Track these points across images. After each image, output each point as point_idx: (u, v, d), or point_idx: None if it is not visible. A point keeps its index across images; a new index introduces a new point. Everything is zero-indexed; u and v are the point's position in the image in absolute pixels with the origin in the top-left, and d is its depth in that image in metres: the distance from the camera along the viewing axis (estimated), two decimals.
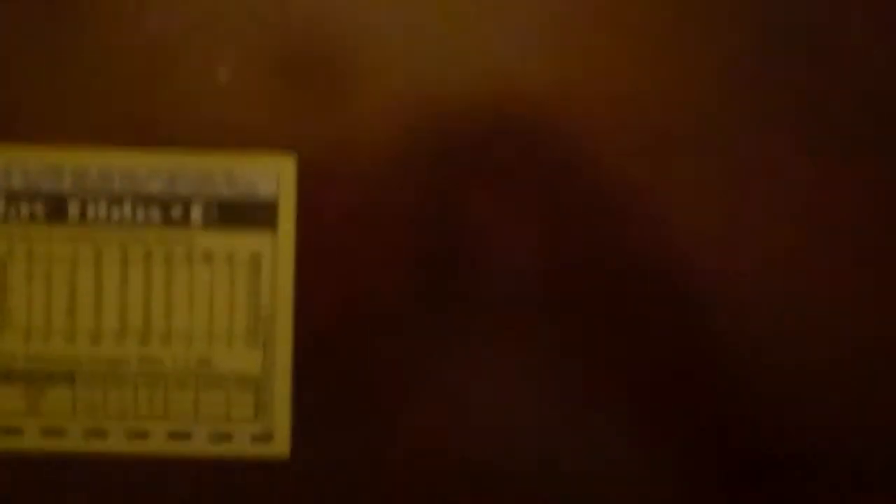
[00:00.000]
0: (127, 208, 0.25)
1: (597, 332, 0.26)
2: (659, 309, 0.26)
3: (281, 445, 0.26)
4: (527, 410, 0.26)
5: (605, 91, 0.25)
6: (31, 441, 0.25)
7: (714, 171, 0.26)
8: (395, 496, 0.26)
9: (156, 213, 0.25)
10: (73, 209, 0.25)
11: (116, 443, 0.26)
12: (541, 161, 0.25)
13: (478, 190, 0.26)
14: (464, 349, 0.26)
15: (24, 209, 0.25)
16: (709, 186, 0.26)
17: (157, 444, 0.26)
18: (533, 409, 0.26)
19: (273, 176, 0.25)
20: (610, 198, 0.25)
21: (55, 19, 0.25)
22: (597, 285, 0.26)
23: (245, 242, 0.25)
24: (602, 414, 0.26)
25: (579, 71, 0.25)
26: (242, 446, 0.26)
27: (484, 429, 0.26)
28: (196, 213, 0.25)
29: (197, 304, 0.25)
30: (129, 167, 0.25)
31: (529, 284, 0.26)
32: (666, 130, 0.26)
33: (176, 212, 0.25)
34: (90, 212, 0.25)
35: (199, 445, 0.26)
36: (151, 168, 0.25)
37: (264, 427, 0.26)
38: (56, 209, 0.25)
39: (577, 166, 0.25)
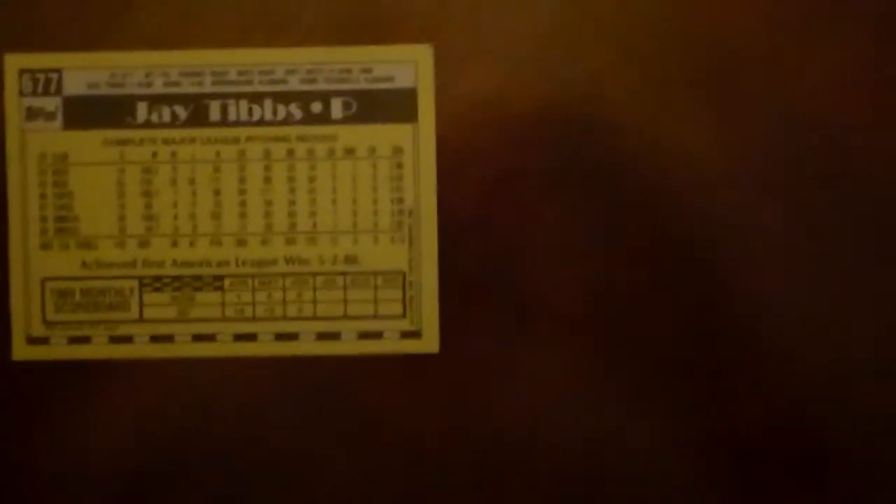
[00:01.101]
0: (268, 107, 0.25)
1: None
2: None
3: (430, 341, 0.25)
4: None
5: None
6: (182, 348, 0.25)
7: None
8: (544, 386, 0.25)
9: (296, 111, 0.25)
10: (214, 111, 0.25)
11: (266, 346, 0.25)
12: None
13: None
14: (614, 231, 0.25)
15: (166, 113, 0.25)
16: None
17: (307, 345, 0.25)
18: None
19: (410, 66, 0.25)
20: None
21: None
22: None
23: (386, 135, 0.25)
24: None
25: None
26: (392, 344, 0.25)
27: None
28: (336, 108, 0.25)
29: (340, 201, 0.25)
30: (268, 65, 0.25)
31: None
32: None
33: (316, 108, 0.25)
34: (231, 112, 0.25)
35: (348, 345, 0.25)
36: (290, 65, 0.25)
37: (413, 323, 0.25)
38: (197, 111, 0.25)
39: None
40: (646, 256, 0.25)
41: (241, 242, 0.25)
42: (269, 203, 0.25)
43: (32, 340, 0.25)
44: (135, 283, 0.25)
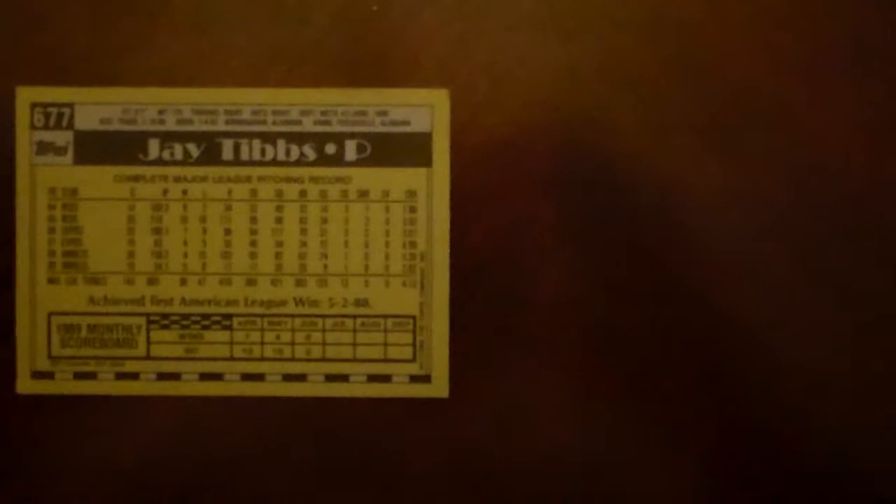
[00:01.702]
0: (281, 147, 0.25)
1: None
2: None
3: (440, 386, 0.25)
4: None
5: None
6: (189, 386, 0.25)
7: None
8: (552, 434, 0.25)
9: (310, 151, 0.25)
10: (226, 149, 0.25)
11: (274, 386, 0.25)
12: None
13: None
14: (624, 279, 0.25)
15: (178, 150, 0.25)
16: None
17: (315, 386, 0.25)
18: None
19: (427, 110, 0.25)
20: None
21: None
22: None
23: (400, 179, 0.25)
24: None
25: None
26: (401, 388, 0.25)
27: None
28: (350, 150, 0.25)
29: (352, 244, 0.25)
30: (282, 105, 0.25)
31: None
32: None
33: (330, 149, 0.25)
34: (244, 152, 0.25)
35: (357, 387, 0.25)
36: (304, 106, 0.25)
37: (423, 367, 0.25)
38: (210, 149, 0.25)
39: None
40: (657, 301, 0.25)
41: (251, 282, 0.25)
42: (279, 244, 0.25)
43: (37, 375, 0.25)
44: (142, 320, 0.25)
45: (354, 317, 0.25)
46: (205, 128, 0.25)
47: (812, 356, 0.25)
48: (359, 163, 0.25)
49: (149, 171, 0.25)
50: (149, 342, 0.25)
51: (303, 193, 0.25)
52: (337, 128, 0.25)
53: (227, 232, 0.25)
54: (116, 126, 0.25)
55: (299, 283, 0.25)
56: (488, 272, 0.25)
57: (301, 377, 0.25)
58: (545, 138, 0.25)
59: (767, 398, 0.25)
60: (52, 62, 0.25)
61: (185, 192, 0.25)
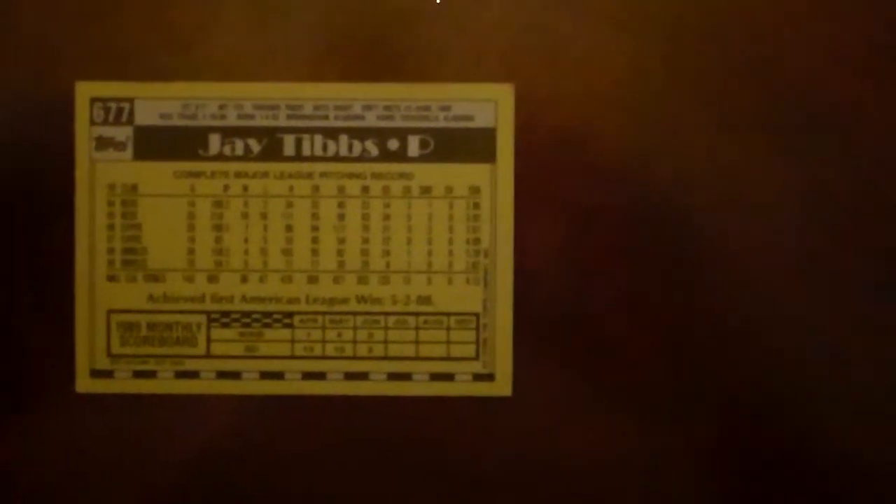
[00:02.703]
0: (343, 142, 0.25)
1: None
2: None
3: (503, 384, 0.25)
4: None
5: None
6: (250, 385, 0.25)
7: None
8: (614, 433, 0.25)
9: (372, 147, 0.25)
10: (288, 145, 0.25)
11: (335, 385, 0.25)
12: None
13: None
14: (689, 278, 0.25)
15: (239, 146, 0.25)
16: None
17: (377, 385, 0.25)
18: None
19: (491, 105, 0.25)
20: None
21: None
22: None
23: (463, 175, 0.25)
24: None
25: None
26: (464, 386, 0.25)
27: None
28: (413, 145, 0.25)
29: (415, 240, 0.25)
30: (344, 100, 0.25)
31: None
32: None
33: (392, 145, 0.25)
34: (305, 147, 0.25)
35: (420, 386, 0.25)
36: (366, 101, 0.25)
37: (486, 366, 0.25)
38: (271, 145, 0.25)
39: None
40: (721, 307, 0.25)
41: (313, 280, 0.25)
42: (341, 240, 0.25)
43: (96, 373, 0.25)
44: (202, 318, 0.25)
45: (417, 314, 0.25)
46: (266, 123, 0.25)
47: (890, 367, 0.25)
48: (422, 158, 0.25)
49: (209, 166, 0.25)
50: (209, 340, 0.25)
51: (365, 189, 0.25)
52: (400, 123, 0.25)
53: (289, 229, 0.25)
54: (176, 121, 0.25)
55: (361, 280, 0.25)
56: (552, 270, 0.25)
57: (363, 375, 0.25)
58: (610, 133, 0.25)
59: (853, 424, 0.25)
60: (111, 57, 0.25)
61: (245, 188, 0.25)
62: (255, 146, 0.25)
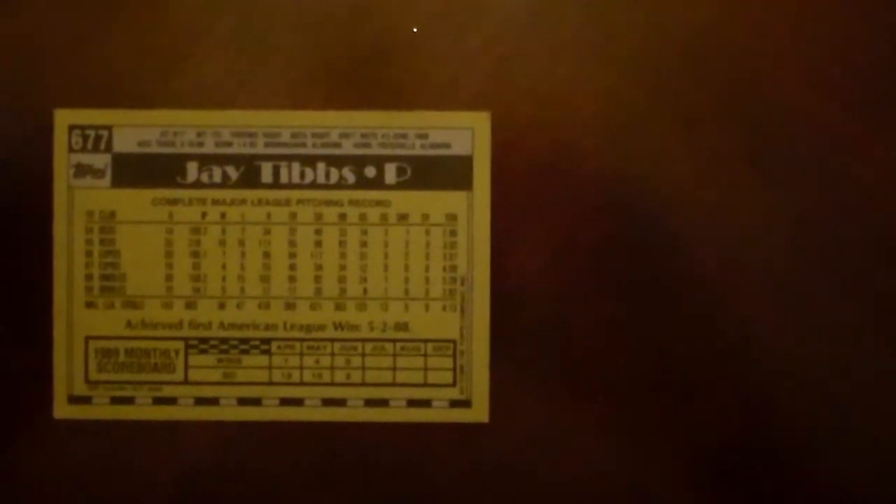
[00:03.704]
0: (320, 170, 0.25)
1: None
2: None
3: (480, 411, 0.25)
4: None
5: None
6: (228, 411, 0.25)
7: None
8: (595, 459, 0.25)
9: (349, 175, 0.25)
10: (265, 172, 0.25)
11: (313, 411, 0.25)
12: None
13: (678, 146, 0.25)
14: (668, 304, 0.25)
15: (217, 173, 0.25)
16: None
17: (355, 411, 0.25)
18: None
19: (468, 133, 0.25)
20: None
21: None
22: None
23: (440, 202, 0.25)
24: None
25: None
26: (441, 413, 0.25)
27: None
28: (390, 173, 0.25)
29: (392, 267, 0.25)
30: (322, 128, 0.25)
31: None
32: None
33: (369, 172, 0.25)
34: (283, 174, 0.25)
35: (397, 412, 0.25)
36: (344, 128, 0.25)
37: (463, 392, 0.25)
38: (249, 172, 0.25)
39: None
40: (701, 326, 0.25)
41: (290, 306, 0.25)
42: (319, 267, 0.25)
43: (74, 399, 0.25)
44: (180, 345, 0.25)
45: (394, 341, 0.25)
46: (244, 150, 0.25)
47: (866, 392, 0.25)
48: (399, 186, 0.25)
49: (187, 194, 0.25)
50: (187, 367, 0.25)
51: (342, 217, 0.25)
52: (377, 150, 0.25)
53: (266, 255, 0.25)
54: (155, 149, 0.25)
55: (339, 307, 0.25)
56: (529, 296, 0.25)
57: (340, 402, 0.25)
58: (587, 161, 0.25)
59: (830, 437, 0.25)
60: (90, 85, 0.25)
61: (223, 215, 0.25)
62: (233, 173, 0.25)
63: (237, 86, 0.25)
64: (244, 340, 0.25)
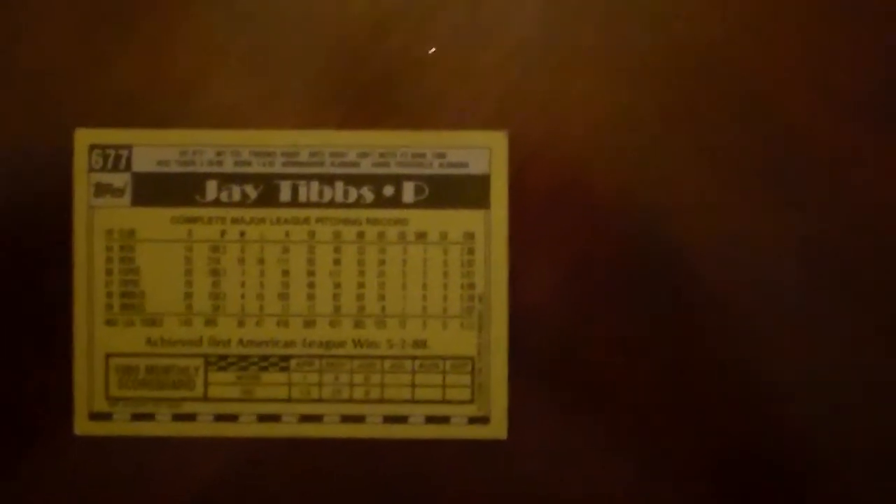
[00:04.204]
0: (339, 189, 0.25)
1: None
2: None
3: (498, 427, 0.25)
4: None
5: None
6: (247, 428, 0.25)
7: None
8: (612, 476, 0.25)
9: (367, 193, 0.25)
10: (284, 191, 0.25)
11: (332, 427, 0.25)
12: None
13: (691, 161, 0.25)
14: (683, 321, 0.25)
15: (236, 192, 0.25)
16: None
17: (373, 427, 0.25)
18: None
19: (485, 152, 0.25)
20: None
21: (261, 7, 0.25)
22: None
23: (458, 220, 0.25)
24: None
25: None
26: (459, 429, 0.25)
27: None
28: (408, 192, 0.25)
29: (410, 285, 0.25)
30: (340, 147, 0.25)
31: None
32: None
33: (388, 191, 0.25)
34: (301, 193, 0.25)
35: (415, 428, 0.25)
36: (362, 148, 0.25)
37: (481, 409, 0.25)
38: (268, 191, 0.25)
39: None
40: (715, 349, 0.25)
41: (309, 324, 0.25)
42: (337, 285, 0.25)
43: (95, 416, 0.25)
44: (200, 362, 0.25)
45: (413, 358, 0.25)
46: (263, 170, 0.25)
47: (877, 407, 0.25)
48: (417, 205, 0.25)
49: (206, 212, 0.25)
50: (206, 384, 0.25)
51: (360, 235, 0.25)
52: (395, 170, 0.25)
53: (285, 273, 0.25)
54: (174, 168, 0.25)
55: (357, 324, 0.25)
56: (547, 313, 0.25)
57: (359, 418, 0.25)
58: (603, 179, 0.25)
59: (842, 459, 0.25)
60: (110, 105, 0.25)
61: (242, 233, 0.25)
62: (252, 192, 0.25)
63: (256, 105, 0.25)
64: (263, 357, 0.25)
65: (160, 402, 0.25)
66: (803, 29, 0.25)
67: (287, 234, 0.25)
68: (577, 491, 0.25)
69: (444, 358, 0.25)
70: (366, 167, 0.25)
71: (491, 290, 0.25)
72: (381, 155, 0.25)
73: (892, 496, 0.25)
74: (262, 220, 0.25)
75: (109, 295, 0.25)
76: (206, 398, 0.25)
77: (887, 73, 0.25)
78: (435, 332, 0.25)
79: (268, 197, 0.25)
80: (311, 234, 0.25)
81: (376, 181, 0.25)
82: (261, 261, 0.25)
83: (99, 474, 0.25)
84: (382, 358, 0.25)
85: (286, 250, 0.25)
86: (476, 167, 0.25)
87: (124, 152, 0.25)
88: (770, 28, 0.25)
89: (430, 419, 0.25)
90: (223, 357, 0.25)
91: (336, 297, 0.25)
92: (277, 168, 0.25)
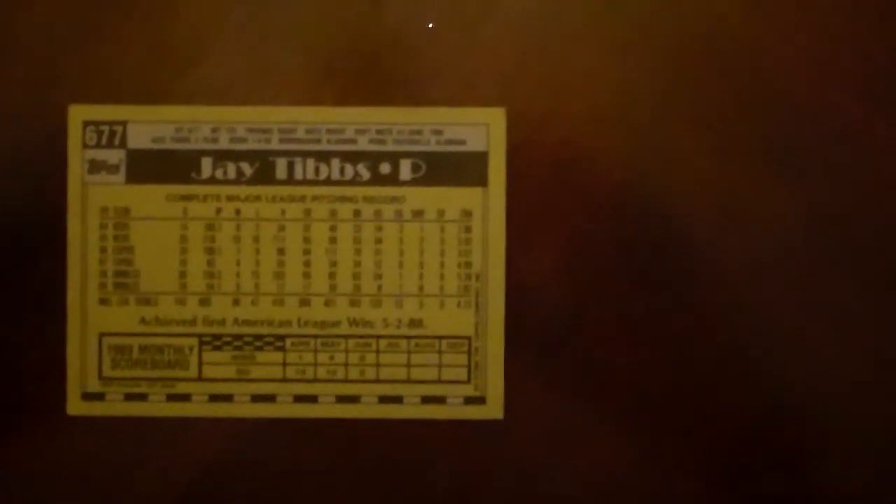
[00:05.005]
0: (335, 166, 0.25)
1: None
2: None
3: (494, 407, 0.25)
4: None
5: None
6: (242, 408, 0.25)
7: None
8: (610, 456, 0.25)
9: (364, 171, 0.25)
10: (280, 168, 0.25)
11: (327, 408, 0.25)
12: None
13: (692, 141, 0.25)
14: (683, 300, 0.25)
15: (232, 169, 0.25)
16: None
17: (369, 408, 0.25)
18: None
19: (483, 129, 0.25)
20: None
21: None
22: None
23: (455, 198, 0.25)
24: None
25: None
26: (455, 409, 0.25)
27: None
28: (405, 169, 0.25)
29: (407, 264, 0.25)
30: (337, 124, 0.25)
31: None
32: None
33: (384, 168, 0.25)
34: (297, 171, 0.25)
35: (411, 409, 0.25)
36: (359, 125, 0.25)
37: (478, 389, 0.25)
38: (263, 168, 0.25)
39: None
40: (716, 328, 0.25)
41: (304, 303, 0.25)
42: (333, 264, 0.25)
43: (88, 396, 0.25)
44: (194, 341, 0.25)
45: (409, 338, 0.25)
46: (258, 146, 0.25)
47: (888, 387, 0.25)
48: (413, 182, 0.25)
49: (201, 190, 0.25)
50: (201, 363, 0.25)
51: (357, 213, 0.25)
52: (392, 147, 0.25)
53: (281, 252, 0.25)
54: (169, 145, 0.25)
55: (353, 303, 0.25)
56: (544, 292, 0.25)
57: (355, 398, 0.25)
58: (602, 157, 0.25)
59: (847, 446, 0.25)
60: (104, 80, 0.25)
61: (238, 211, 0.25)
62: (248, 169, 0.25)
63: (252, 81, 0.25)
64: (258, 337, 0.25)
65: (154, 382, 0.25)
66: (808, 4, 0.25)
67: (283, 212, 0.25)
68: (574, 471, 0.25)
69: (440, 337, 0.25)
70: (363, 144, 0.25)
71: (488, 268, 0.25)
72: (378, 132, 0.25)
73: None
74: (257, 198, 0.25)
75: (103, 273, 0.25)
76: (200, 378, 0.25)
77: (892, 50, 0.25)
78: (431, 311, 0.25)
79: (263, 174, 0.25)
80: (307, 213, 0.25)
81: (373, 158, 0.25)
82: (256, 239, 0.25)
83: (92, 455, 0.25)
84: (378, 337, 0.25)
85: (282, 228, 0.25)
86: (474, 144, 0.25)
87: (119, 129, 0.25)
88: (777, 7, 0.25)
89: (426, 399, 0.25)
90: (218, 336, 0.25)
91: (332, 275, 0.25)
92: (273, 145, 0.25)
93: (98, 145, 0.25)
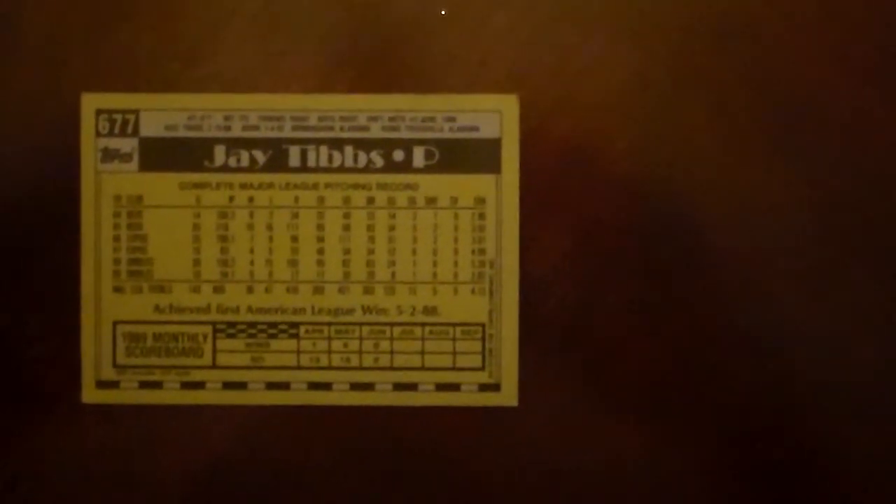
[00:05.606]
0: (348, 153, 0.25)
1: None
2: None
3: (509, 394, 0.25)
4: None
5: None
6: (256, 396, 0.25)
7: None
8: (622, 443, 0.25)
9: (377, 158, 0.25)
10: (293, 156, 0.25)
11: (341, 395, 0.25)
12: None
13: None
14: (696, 287, 0.25)
15: (245, 157, 0.25)
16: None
17: (383, 395, 0.25)
18: None
19: (496, 116, 0.25)
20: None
21: None
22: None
23: (468, 185, 0.25)
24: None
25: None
26: (470, 396, 0.25)
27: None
28: (418, 156, 0.25)
29: (421, 251, 0.25)
30: (350, 112, 0.25)
31: None
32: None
33: (397, 156, 0.25)
34: (311, 158, 0.25)
35: (425, 396, 0.25)
36: (372, 112, 0.25)
37: (492, 376, 0.25)
38: (276, 156, 0.25)
39: None
40: (728, 315, 0.25)
41: (318, 290, 0.25)
42: (347, 251, 0.25)
43: (102, 384, 0.25)
44: (208, 329, 0.25)
45: (423, 325, 0.25)
46: (271, 134, 0.25)
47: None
48: (427, 169, 0.25)
49: (214, 178, 0.25)
50: (215, 351, 0.25)
51: (370, 200, 0.25)
52: (405, 134, 0.25)
53: (294, 239, 0.25)
54: (182, 133, 0.25)
55: (367, 290, 0.25)
56: (558, 279, 0.25)
57: (369, 386, 0.25)
58: (615, 143, 0.25)
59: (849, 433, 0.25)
60: (117, 69, 0.25)
61: (251, 199, 0.25)
62: (261, 157, 0.25)
63: (264, 69, 0.25)
64: (272, 325, 0.25)
65: (168, 369, 0.25)
66: None
67: (296, 199, 0.25)
68: (588, 458, 0.25)
69: (454, 324, 0.25)
70: (376, 131, 0.25)
71: (502, 255, 0.25)
72: (391, 119, 0.25)
73: None
74: (270, 186, 0.25)
75: (117, 262, 0.25)
76: (214, 366, 0.25)
77: None
78: (445, 298, 0.25)
79: (277, 162, 0.25)
80: (321, 200, 0.25)
81: (386, 145, 0.25)
82: (269, 227, 0.25)
83: (107, 443, 0.25)
84: (392, 325, 0.25)
85: (295, 216, 0.25)
86: (487, 131, 0.25)
87: (131, 117, 0.25)
88: None
89: (441, 386, 0.25)
90: (232, 324, 0.25)
91: (345, 263, 0.25)
92: (286, 133, 0.25)
93: (111, 134, 0.25)
